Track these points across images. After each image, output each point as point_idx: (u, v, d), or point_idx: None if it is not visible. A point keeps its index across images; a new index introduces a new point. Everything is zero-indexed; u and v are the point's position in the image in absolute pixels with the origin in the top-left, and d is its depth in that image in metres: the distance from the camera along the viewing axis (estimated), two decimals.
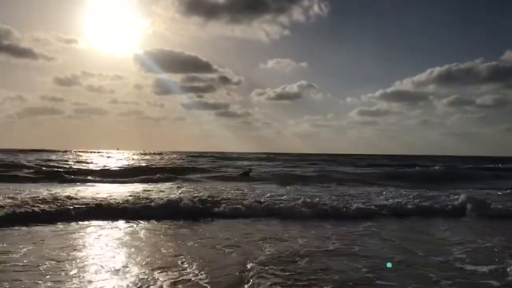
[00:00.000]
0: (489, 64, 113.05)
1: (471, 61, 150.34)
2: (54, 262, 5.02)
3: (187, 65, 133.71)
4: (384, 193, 12.73)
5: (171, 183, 16.17)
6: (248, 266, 4.94)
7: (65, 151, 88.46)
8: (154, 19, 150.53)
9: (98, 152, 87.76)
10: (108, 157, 56.37)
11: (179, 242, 6.30)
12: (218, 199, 10.06)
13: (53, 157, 48.57)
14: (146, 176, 19.16)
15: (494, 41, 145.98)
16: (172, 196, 10.41)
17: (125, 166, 28.71)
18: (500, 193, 13.73)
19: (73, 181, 17.14)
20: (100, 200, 9.42)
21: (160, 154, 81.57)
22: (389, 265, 5.14)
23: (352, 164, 43.24)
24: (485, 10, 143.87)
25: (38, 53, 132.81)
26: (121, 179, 18.23)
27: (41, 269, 4.74)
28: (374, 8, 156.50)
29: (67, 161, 36.75)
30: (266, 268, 4.85)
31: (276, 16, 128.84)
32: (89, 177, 18.81)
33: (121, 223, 7.89)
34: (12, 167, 23.74)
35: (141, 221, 8.03)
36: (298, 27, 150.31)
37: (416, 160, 54.56)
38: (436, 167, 28.20)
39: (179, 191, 12.01)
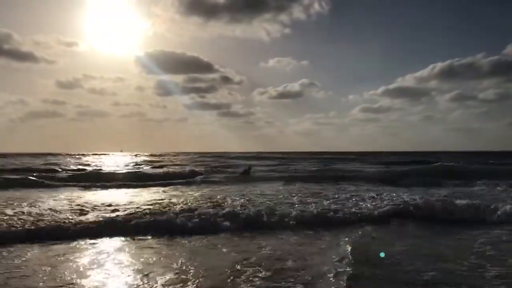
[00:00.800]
0: (491, 59, 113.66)
1: (473, 56, 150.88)
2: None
3: (188, 65, 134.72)
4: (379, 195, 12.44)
5: (192, 186, 16.65)
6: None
7: (70, 155, 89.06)
8: (154, 20, 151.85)
9: (103, 155, 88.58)
10: (115, 161, 56.56)
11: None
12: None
13: (68, 160, 49.27)
14: (168, 181, 18.95)
15: (496, 36, 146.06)
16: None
17: (139, 170, 28.68)
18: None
19: (103, 187, 16.64)
20: (154, 210, 9.32)
21: (165, 155, 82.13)
22: (382, 254, 5.75)
23: (361, 161, 43.46)
24: (486, 5, 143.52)
25: (39, 56, 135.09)
26: (138, 183, 17.84)
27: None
28: (374, 4, 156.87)
29: (82, 164, 37.38)
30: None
31: (276, 15, 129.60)
32: (113, 183, 18.23)
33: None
34: (24, 171, 23.80)
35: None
36: (299, 26, 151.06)
37: (423, 157, 54.54)
38: (461, 163, 27.05)
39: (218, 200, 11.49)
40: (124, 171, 24.70)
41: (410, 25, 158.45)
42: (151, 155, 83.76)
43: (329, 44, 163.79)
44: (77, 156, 74.12)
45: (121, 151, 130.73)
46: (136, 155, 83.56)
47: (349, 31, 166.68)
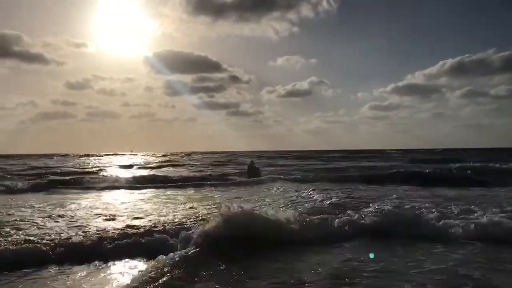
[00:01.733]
0: (502, 54, 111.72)
1: (484, 51, 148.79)
2: None
3: (197, 65, 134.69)
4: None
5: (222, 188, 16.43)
6: None
7: (80, 155, 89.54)
8: (162, 20, 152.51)
9: (118, 155, 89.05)
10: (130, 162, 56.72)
11: None
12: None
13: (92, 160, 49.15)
14: (198, 182, 18.92)
15: (507, 31, 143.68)
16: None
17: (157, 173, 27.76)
18: None
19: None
20: None
21: (176, 155, 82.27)
22: (371, 255, 5.71)
23: (377, 159, 42.94)
24: (495, 0, 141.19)
25: (49, 58, 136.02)
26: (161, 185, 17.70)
27: None
28: (383, 1, 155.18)
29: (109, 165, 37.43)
30: None
31: (284, 13, 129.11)
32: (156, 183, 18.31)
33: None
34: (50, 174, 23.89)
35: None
36: (307, 24, 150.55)
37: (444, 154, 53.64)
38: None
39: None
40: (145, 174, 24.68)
41: (419, 22, 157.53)
42: (163, 155, 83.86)
43: (337, 42, 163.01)
44: (91, 157, 74.71)
45: (131, 151, 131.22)
46: (149, 155, 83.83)
47: (358, 29, 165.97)
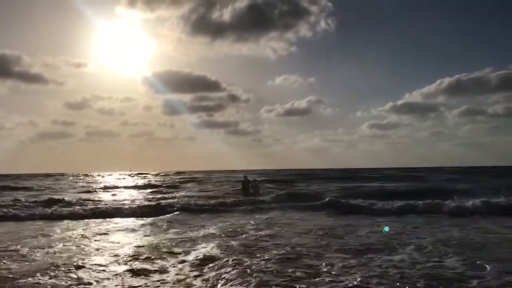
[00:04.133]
0: (499, 73, 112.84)
1: (481, 70, 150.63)
2: None
3: (196, 84, 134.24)
4: None
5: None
6: None
7: (86, 175, 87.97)
8: (160, 40, 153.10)
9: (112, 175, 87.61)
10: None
11: None
12: None
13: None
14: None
15: (503, 49, 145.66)
16: None
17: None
18: None
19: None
20: None
21: (177, 174, 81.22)
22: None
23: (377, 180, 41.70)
24: (493, 18, 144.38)
25: (49, 78, 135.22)
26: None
27: None
28: (380, 21, 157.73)
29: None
30: None
31: (282, 33, 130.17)
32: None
33: None
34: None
35: None
36: (305, 43, 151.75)
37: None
38: None
39: None
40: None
41: (416, 41, 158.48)
42: (166, 175, 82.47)
43: (335, 61, 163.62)
44: (96, 177, 73.31)
45: (130, 170, 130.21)
46: (142, 174, 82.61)
47: (356, 48, 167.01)
